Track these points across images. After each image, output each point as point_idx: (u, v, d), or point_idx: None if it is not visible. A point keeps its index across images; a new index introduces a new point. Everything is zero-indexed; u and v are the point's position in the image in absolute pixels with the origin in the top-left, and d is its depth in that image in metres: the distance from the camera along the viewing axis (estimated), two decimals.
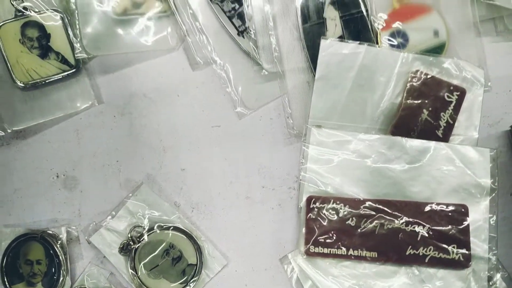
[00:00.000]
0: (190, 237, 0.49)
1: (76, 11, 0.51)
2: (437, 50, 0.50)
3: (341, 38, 0.49)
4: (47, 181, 0.52)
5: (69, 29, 0.51)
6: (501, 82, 0.51)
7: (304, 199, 0.47)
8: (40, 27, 0.52)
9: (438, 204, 0.45)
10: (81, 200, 0.52)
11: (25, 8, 0.51)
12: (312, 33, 0.49)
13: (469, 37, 0.50)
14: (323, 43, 0.48)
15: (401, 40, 0.50)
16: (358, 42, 0.49)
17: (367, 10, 0.50)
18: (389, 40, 0.49)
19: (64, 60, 0.52)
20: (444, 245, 0.45)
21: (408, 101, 0.48)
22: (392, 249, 0.45)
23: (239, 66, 0.51)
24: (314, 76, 0.49)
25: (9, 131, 0.52)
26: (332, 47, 0.48)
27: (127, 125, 0.52)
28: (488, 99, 0.50)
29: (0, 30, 0.50)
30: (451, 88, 0.48)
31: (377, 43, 0.49)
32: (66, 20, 0.52)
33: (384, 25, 0.49)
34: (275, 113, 0.52)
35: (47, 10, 0.51)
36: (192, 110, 0.52)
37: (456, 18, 0.50)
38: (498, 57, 0.51)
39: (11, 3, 0.51)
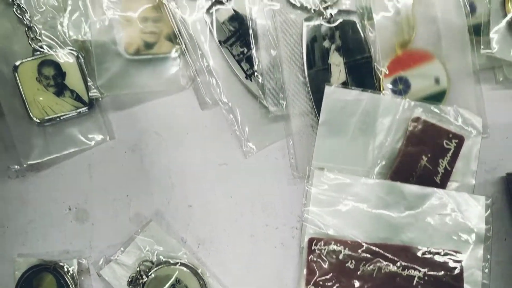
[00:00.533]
0: (195, 273, 0.51)
1: (92, 51, 0.54)
2: (438, 96, 0.52)
3: (345, 83, 0.52)
4: (60, 213, 0.55)
5: (84, 68, 0.54)
6: (499, 129, 0.52)
7: (306, 240, 0.49)
8: (56, 65, 0.54)
9: (433, 249, 0.48)
10: (92, 233, 0.54)
11: (41, 47, 0.54)
12: (317, 78, 0.51)
13: (469, 85, 0.52)
14: (327, 89, 0.50)
15: (403, 86, 0.51)
16: (361, 89, 0.51)
17: (370, 56, 0.52)
18: (391, 86, 0.52)
19: (78, 98, 0.54)
20: None
21: (408, 148, 0.50)
22: None
23: (246, 108, 0.54)
24: (318, 120, 0.51)
25: (24, 165, 0.54)
26: (336, 93, 0.50)
27: (137, 161, 0.55)
28: (485, 146, 0.51)
29: (19, 69, 0.53)
30: (450, 135, 0.50)
31: (380, 89, 0.51)
32: (81, 59, 0.54)
33: (387, 72, 0.52)
34: (280, 153, 0.54)
35: (63, 49, 0.53)
36: (201, 148, 0.54)
37: (457, 66, 0.51)
38: (497, 105, 0.53)
39: (29, 43, 0.54)
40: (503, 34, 0.51)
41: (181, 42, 0.54)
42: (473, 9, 0.52)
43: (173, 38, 0.55)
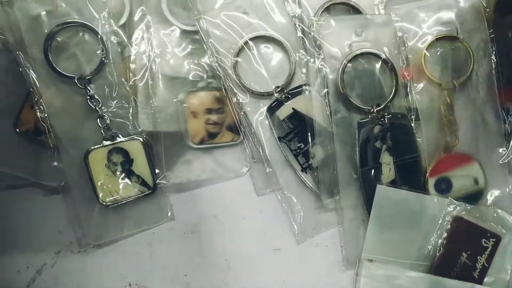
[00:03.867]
0: None
1: (161, 141, 0.58)
2: (476, 195, 0.57)
3: (394, 181, 0.56)
4: None
5: (151, 155, 0.57)
6: None
7: None
8: (125, 153, 0.58)
9: None
10: None
11: (112, 135, 0.58)
12: (369, 176, 0.56)
13: (504, 186, 0.57)
14: (379, 188, 0.55)
15: (446, 186, 0.57)
16: (409, 189, 0.55)
17: (419, 156, 0.57)
18: (435, 185, 0.57)
19: (143, 183, 0.58)
20: None
21: (450, 245, 0.55)
22: None
23: (301, 197, 0.58)
24: (369, 214, 0.56)
25: (91, 246, 0.58)
26: (386, 192, 0.55)
27: (196, 242, 0.59)
28: None
29: (90, 156, 0.56)
30: (488, 235, 0.55)
31: (426, 187, 0.57)
32: (148, 148, 0.58)
33: (432, 173, 0.56)
34: (331, 241, 0.58)
35: (132, 137, 0.57)
36: (256, 233, 0.59)
37: (493, 168, 0.57)
38: None
39: (101, 132, 0.57)
40: None
41: (241, 133, 0.60)
42: (509, 114, 0.58)
43: (234, 129, 0.60)
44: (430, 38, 0.56)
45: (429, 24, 0.56)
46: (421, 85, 0.56)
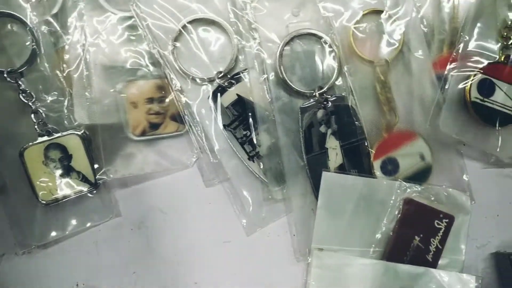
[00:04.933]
0: None
1: (99, 134, 0.55)
2: (425, 172, 0.55)
3: (342, 165, 0.55)
4: None
5: (90, 150, 0.54)
6: (490, 207, 0.56)
7: None
8: (62, 148, 0.55)
9: None
10: None
11: (47, 131, 0.55)
12: (316, 162, 0.54)
13: (453, 160, 0.55)
14: (325, 175, 0.53)
15: (392, 166, 0.55)
16: (357, 174, 0.54)
17: (364, 138, 0.55)
18: (381, 167, 0.54)
19: (85, 179, 0.56)
20: None
21: (401, 229, 0.53)
22: None
23: (249, 187, 0.56)
24: (317, 203, 0.54)
25: (33, 247, 0.55)
26: (333, 178, 0.53)
27: (143, 238, 0.57)
28: (477, 223, 0.55)
29: (25, 153, 0.54)
30: (441, 215, 0.53)
31: (372, 171, 0.54)
32: (87, 142, 0.55)
33: (376, 154, 0.54)
34: (282, 230, 0.56)
35: (69, 132, 0.54)
36: (205, 226, 0.57)
37: (438, 141, 0.55)
38: (489, 183, 0.56)
39: (35, 128, 0.55)
40: (456, 111, 0.53)
41: (186, 123, 0.57)
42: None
43: (178, 118, 0.57)
44: (357, 15, 0.54)
45: (354, 1, 0.54)
46: (353, 64, 0.54)
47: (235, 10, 0.55)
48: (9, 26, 0.54)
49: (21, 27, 0.54)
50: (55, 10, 0.56)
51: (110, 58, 0.56)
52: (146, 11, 0.54)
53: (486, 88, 0.54)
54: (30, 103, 0.54)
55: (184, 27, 0.54)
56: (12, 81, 0.53)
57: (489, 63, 0.54)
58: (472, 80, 0.53)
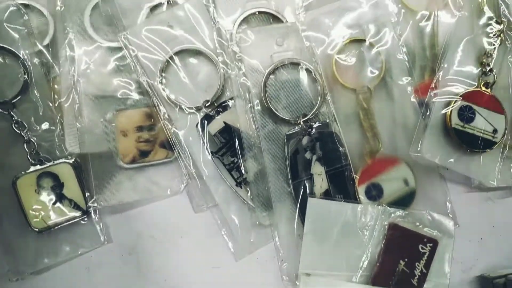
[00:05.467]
0: None
1: (89, 163, 0.56)
2: (409, 197, 0.56)
3: (328, 191, 0.55)
4: None
5: (82, 177, 0.56)
6: (473, 231, 0.57)
7: None
8: (54, 176, 0.56)
9: None
10: None
11: (40, 160, 0.56)
12: (302, 188, 0.55)
13: (436, 185, 0.56)
14: (310, 201, 0.54)
15: (376, 192, 0.56)
16: (342, 200, 0.55)
17: (348, 164, 0.56)
18: (366, 193, 0.55)
19: (76, 206, 0.57)
20: None
21: (386, 254, 0.54)
22: None
23: (237, 213, 0.57)
24: (304, 228, 0.55)
25: (26, 274, 0.56)
26: (319, 204, 0.54)
27: (134, 264, 0.58)
28: (461, 246, 0.56)
29: (18, 182, 0.55)
30: (425, 240, 0.54)
31: (357, 196, 0.55)
32: (79, 170, 0.56)
33: (360, 180, 0.55)
34: (270, 255, 0.57)
35: (61, 160, 0.56)
36: (194, 251, 0.58)
37: (421, 166, 0.56)
38: (471, 206, 0.57)
39: (27, 157, 0.56)
40: (437, 137, 0.54)
41: (174, 150, 0.58)
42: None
43: (167, 145, 0.59)
44: (339, 44, 0.55)
45: (336, 30, 0.55)
46: (337, 91, 0.55)
47: (221, 40, 0.56)
48: (0, 59, 0.56)
49: (13, 58, 0.56)
50: (46, 41, 0.58)
51: (100, 88, 0.58)
52: (134, 42, 0.56)
53: (466, 114, 0.55)
54: (22, 133, 0.55)
55: (171, 57, 0.56)
56: (5, 112, 0.55)
57: (468, 90, 0.55)
58: (453, 106, 0.55)
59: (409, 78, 0.56)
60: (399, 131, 0.56)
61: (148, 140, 0.58)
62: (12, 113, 0.55)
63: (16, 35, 0.56)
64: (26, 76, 0.55)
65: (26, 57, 0.55)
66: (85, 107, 0.56)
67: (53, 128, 0.56)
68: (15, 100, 0.55)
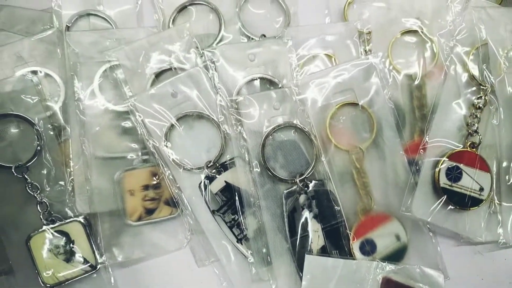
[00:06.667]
0: None
1: (99, 221, 0.59)
2: (401, 251, 0.59)
3: (324, 247, 0.58)
4: None
5: (91, 235, 0.59)
6: (463, 283, 0.59)
7: None
8: (66, 235, 0.60)
9: None
10: None
11: (52, 219, 0.59)
12: (299, 245, 0.58)
13: (428, 240, 0.59)
14: (307, 258, 0.57)
15: (370, 247, 0.58)
16: (337, 256, 0.57)
17: (343, 220, 0.59)
18: (360, 248, 0.58)
19: (86, 262, 0.60)
20: None
21: None
22: None
23: (238, 267, 0.60)
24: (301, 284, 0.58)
25: None
26: (315, 261, 0.57)
27: None
28: None
29: (31, 241, 0.58)
30: None
31: (352, 252, 0.58)
32: (88, 228, 0.59)
33: (354, 236, 0.58)
34: None
35: (72, 219, 0.59)
36: None
37: (412, 222, 0.59)
38: (461, 259, 0.60)
39: (40, 217, 0.59)
40: (427, 196, 0.57)
41: (178, 207, 0.61)
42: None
43: (171, 202, 0.62)
44: (332, 107, 0.59)
45: (329, 93, 0.59)
46: (331, 151, 0.58)
47: (222, 104, 0.60)
48: (16, 126, 0.59)
49: (27, 125, 0.59)
50: (58, 106, 0.62)
51: (108, 150, 0.61)
52: (141, 108, 0.59)
53: (454, 174, 0.58)
54: (35, 195, 0.59)
55: (175, 122, 0.60)
56: (19, 175, 0.59)
57: (455, 150, 0.58)
58: (440, 166, 0.58)
59: (399, 139, 0.59)
60: (391, 189, 0.59)
61: (153, 198, 0.62)
62: (26, 176, 0.59)
63: (30, 102, 0.60)
64: (39, 142, 0.59)
65: (39, 123, 0.59)
66: (94, 169, 0.60)
67: (64, 189, 0.60)
68: (29, 164, 0.59)
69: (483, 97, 0.59)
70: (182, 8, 0.66)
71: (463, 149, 0.59)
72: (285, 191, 0.58)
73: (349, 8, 0.67)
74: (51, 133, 0.60)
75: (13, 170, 0.58)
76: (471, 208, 0.57)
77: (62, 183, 0.59)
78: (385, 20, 0.64)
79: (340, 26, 0.66)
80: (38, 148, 0.59)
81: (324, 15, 0.69)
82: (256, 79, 0.62)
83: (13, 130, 0.59)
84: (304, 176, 0.59)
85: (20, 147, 0.60)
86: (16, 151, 0.59)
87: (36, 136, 0.59)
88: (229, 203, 0.60)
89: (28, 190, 0.59)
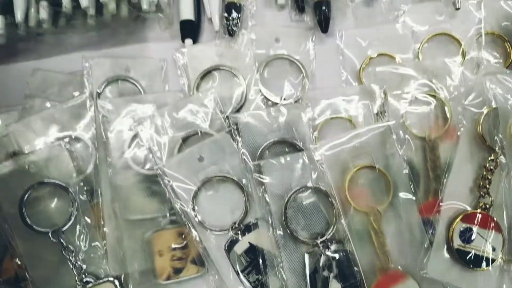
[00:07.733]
0: None
1: (130, 281, 0.62)
2: None
3: None
4: None
5: None
6: None
7: None
8: None
9: None
10: None
11: (86, 282, 0.62)
12: None
13: None
14: None
15: None
16: None
17: (361, 280, 0.61)
18: None
19: None
20: None
21: None
22: None
23: None
24: None
25: None
26: None
27: None
28: None
29: None
30: None
31: None
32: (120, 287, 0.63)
33: None
34: None
35: (104, 279, 0.62)
36: None
37: (427, 281, 0.60)
38: None
39: (75, 279, 0.61)
40: (442, 256, 0.60)
41: (204, 266, 0.64)
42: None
43: (197, 261, 0.65)
44: (350, 171, 0.61)
45: (346, 157, 0.61)
46: (350, 213, 0.61)
47: (245, 168, 0.62)
48: (51, 191, 0.63)
49: (62, 191, 0.63)
50: (89, 169, 0.65)
51: (137, 212, 0.65)
52: (169, 173, 0.63)
53: (467, 235, 0.61)
54: (70, 257, 0.63)
55: (202, 185, 0.64)
56: (55, 240, 0.62)
57: (468, 212, 0.61)
58: (454, 228, 0.61)
59: (415, 199, 0.62)
60: (407, 249, 0.62)
61: (181, 258, 0.65)
62: (61, 239, 0.63)
63: (63, 168, 0.64)
64: (73, 207, 0.62)
65: (73, 188, 0.63)
66: (125, 231, 0.64)
67: (98, 250, 0.63)
68: (64, 228, 0.62)
69: (494, 160, 0.63)
70: (206, 73, 0.70)
71: (476, 210, 0.62)
72: (307, 253, 0.62)
73: (364, 71, 0.71)
74: (84, 196, 0.64)
75: (50, 235, 0.62)
76: (485, 268, 0.61)
77: (95, 244, 0.63)
78: (399, 82, 0.67)
79: (356, 88, 0.70)
80: (73, 212, 0.63)
81: (339, 76, 0.72)
82: (277, 142, 0.66)
83: (49, 196, 0.63)
84: (325, 238, 0.62)
85: (55, 212, 0.63)
86: (51, 216, 0.63)
87: (70, 201, 0.63)
88: (253, 263, 0.63)
89: (64, 254, 0.62)
